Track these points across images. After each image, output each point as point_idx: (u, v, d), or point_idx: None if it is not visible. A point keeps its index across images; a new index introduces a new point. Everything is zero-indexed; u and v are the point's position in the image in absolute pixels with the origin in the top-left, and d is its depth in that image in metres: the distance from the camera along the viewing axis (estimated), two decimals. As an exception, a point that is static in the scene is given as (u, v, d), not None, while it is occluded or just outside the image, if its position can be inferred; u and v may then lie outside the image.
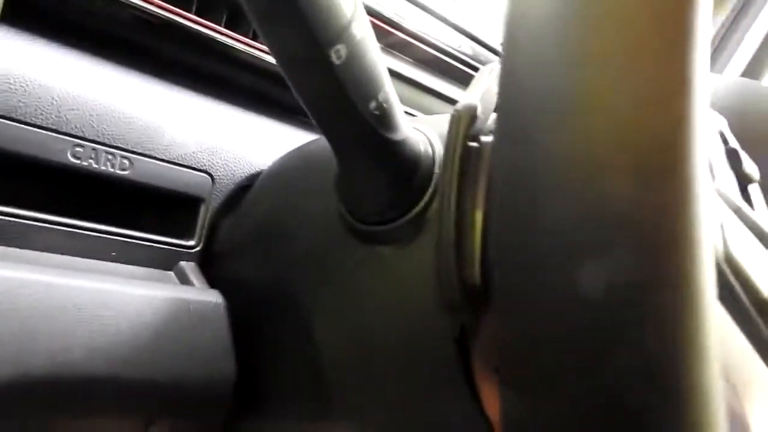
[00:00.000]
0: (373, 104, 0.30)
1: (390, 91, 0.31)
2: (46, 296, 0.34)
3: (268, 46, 0.28)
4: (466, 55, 0.68)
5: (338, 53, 0.27)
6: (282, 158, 0.45)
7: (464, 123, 0.26)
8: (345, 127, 0.31)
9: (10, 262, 0.34)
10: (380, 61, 0.30)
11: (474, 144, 0.27)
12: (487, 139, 0.27)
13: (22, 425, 0.35)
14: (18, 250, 0.38)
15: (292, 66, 0.29)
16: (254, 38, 0.48)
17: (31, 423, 0.35)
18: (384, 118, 0.31)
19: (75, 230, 0.40)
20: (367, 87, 0.29)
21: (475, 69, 0.69)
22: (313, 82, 0.29)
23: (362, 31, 0.28)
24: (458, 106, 0.27)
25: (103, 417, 0.37)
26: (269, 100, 0.51)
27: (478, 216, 0.26)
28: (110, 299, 0.36)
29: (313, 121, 0.32)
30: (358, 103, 0.29)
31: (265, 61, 0.48)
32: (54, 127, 0.38)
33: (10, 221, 0.37)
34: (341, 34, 0.27)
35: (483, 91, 0.29)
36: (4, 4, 0.34)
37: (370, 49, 0.29)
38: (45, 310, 0.33)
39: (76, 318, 0.35)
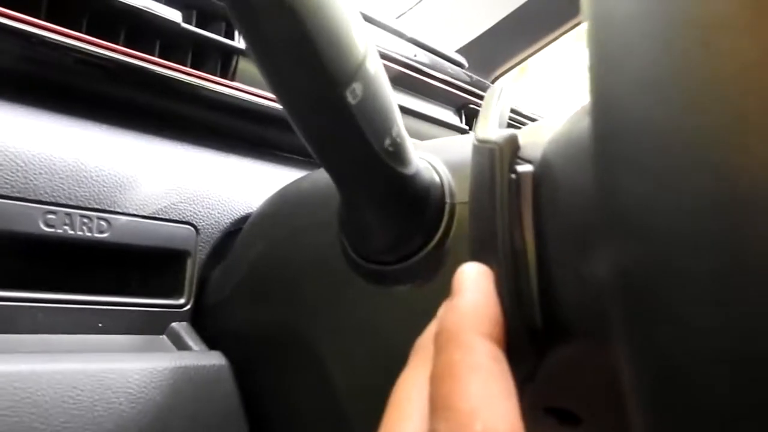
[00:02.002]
0: (387, 141, 0.28)
1: (401, 124, 0.29)
2: (42, 387, 0.30)
3: (272, 90, 0.26)
4: (424, 64, 0.67)
5: (354, 92, 0.25)
6: (270, 199, 0.42)
7: (507, 156, 0.25)
8: (358, 167, 0.29)
9: (-4, 355, 0.31)
10: (392, 95, 0.28)
11: (512, 176, 0.25)
12: (524, 169, 0.25)
13: None
14: (-2, 336, 0.34)
15: (302, 109, 0.26)
16: (223, 76, 0.45)
17: None
18: (398, 154, 0.29)
19: (57, 305, 0.36)
20: (382, 124, 0.27)
21: (435, 79, 0.68)
22: (326, 124, 0.26)
23: (375, 66, 0.26)
24: (488, 135, 0.25)
25: None
26: (246, 140, 0.48)
27: (531, 255, 0.24)
28: (109, 379, 0.33)
29: (320, 162, 0.30)
30: (373, 142, 0.27)
31: (237, 98, 0.45)
32: (21, 195, 0.35)
33: (-15, 305, 0.34)
34: (357, 71, 0.25)
35: (499, 119, 0.28)
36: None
37: (383, 83, 0.27)
38: (43, 402, 0.30)
39: (76, 405, 0.31)
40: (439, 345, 0.21)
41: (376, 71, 0.26)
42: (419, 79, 0.65)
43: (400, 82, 0.64)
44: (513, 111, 0.76)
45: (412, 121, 0.66)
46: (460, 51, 0.90)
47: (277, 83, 0.26)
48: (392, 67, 0.62)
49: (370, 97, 0.26)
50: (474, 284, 0.23)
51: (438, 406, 0.20)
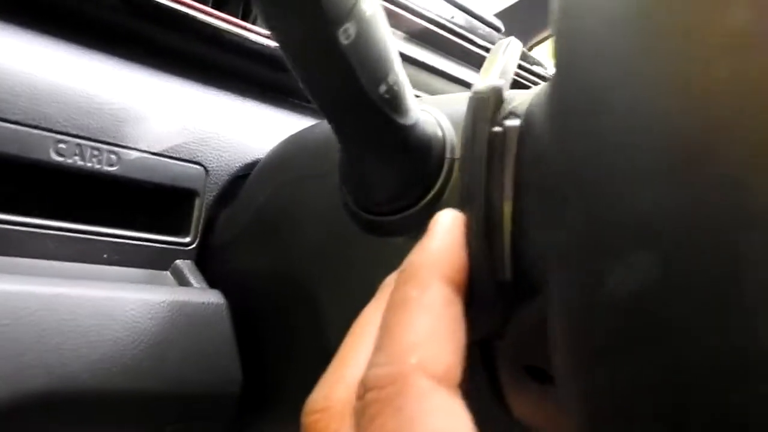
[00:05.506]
0: (383, 87, 0.27)
1: (400, 71, 0.29)
2: (39, 308, 0.31)
3: (268, 28, 0.26)
4: (461, 27, 0.66)
5: (347, 33, 0.24)
6: (279, 145, 0.42)
7: (491, 106, 0.24)
8: (353, 113, 0.28)
9: (-3, 274, 0.32)
10: (390, 39, 0.27)
11: (498, 129, 0.24)
12: (512, 123, 0.24)
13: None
14: (1, 258, 0.35)
15: (295, 49, 0.26)
16: (244, 18, 0.45)
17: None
18: (394, 102, 0.29)
19: (62, 233, 0.37)
20: (376, 69, 0.27)
21: (471, 42, 0.67)
22: (317, 66, 0.26)
23: (372, 6, 0.25)
24: (480, 87, 0.25)
25: (109, 430, 0.35)
26: (262, 85, 0.48)
27: (507, 208, 0.24)
28: (107, 307, 0.34)
29: (317, 108, 0.30)
30: (367, 88, 0.27)
31: (257, 43, 0.45)
32: (34, 123, 0.36)
33: (-8, 227, 0.35)
34: (350, 10, 0.24)
35: (500, 72, 0.27)
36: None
37: (380, 26, 0.26)
38: (39, 324, 0.31)
39: (72, 330, 0.32)
40: (399, 281, 0.22)
41: (373, 13, 0.25)
42: (451, 40, 0.64)
43: (431, 41, 0.63)
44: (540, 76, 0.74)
45: (440, 81, 0.65)
46: (498, 15, 0.88)
47: (271, 18, 0.25)
48: (426, 27, 0.61)
49: (364, 39, 0.25)
50: (444, 229, 0.23)
51: (382, 336, 0.20)
